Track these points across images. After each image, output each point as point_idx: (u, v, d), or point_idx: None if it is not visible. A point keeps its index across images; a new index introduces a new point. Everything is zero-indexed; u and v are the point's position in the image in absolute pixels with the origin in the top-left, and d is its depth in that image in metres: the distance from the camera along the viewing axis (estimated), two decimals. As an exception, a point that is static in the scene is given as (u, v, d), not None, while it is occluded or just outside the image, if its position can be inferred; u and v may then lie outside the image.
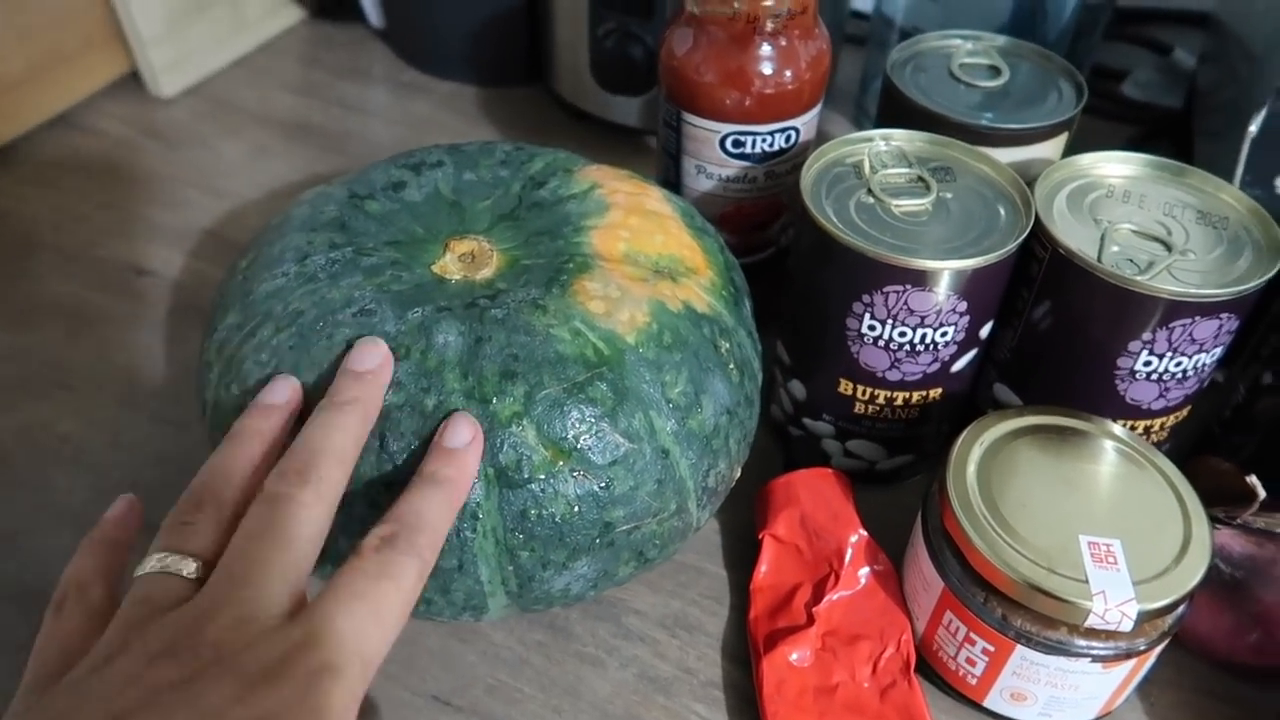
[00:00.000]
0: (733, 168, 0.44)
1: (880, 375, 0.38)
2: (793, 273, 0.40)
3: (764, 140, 0.43)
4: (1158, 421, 0.38)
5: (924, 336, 0.37)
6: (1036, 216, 0.36)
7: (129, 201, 0.57)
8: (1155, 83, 0.67)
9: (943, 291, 0.35)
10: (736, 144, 0.43)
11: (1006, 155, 0.42)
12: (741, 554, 0.40)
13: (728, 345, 0.35)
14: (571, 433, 0.31)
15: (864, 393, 0.39)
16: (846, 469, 0.42)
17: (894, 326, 0.36)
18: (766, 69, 0.41)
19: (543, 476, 0.31)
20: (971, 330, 0.37)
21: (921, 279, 0.35)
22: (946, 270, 0.35)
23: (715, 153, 0.43)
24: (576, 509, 0.31)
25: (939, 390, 0.39)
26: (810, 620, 0.36)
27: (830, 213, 0.37)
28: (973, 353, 0.39)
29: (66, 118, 0.63)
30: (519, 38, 0.66)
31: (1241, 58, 0.50)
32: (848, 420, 0.40)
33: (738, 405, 0.35)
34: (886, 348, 0.37)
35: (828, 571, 0.37)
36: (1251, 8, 0.52)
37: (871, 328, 0.37)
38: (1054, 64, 0.46)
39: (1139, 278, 0.34)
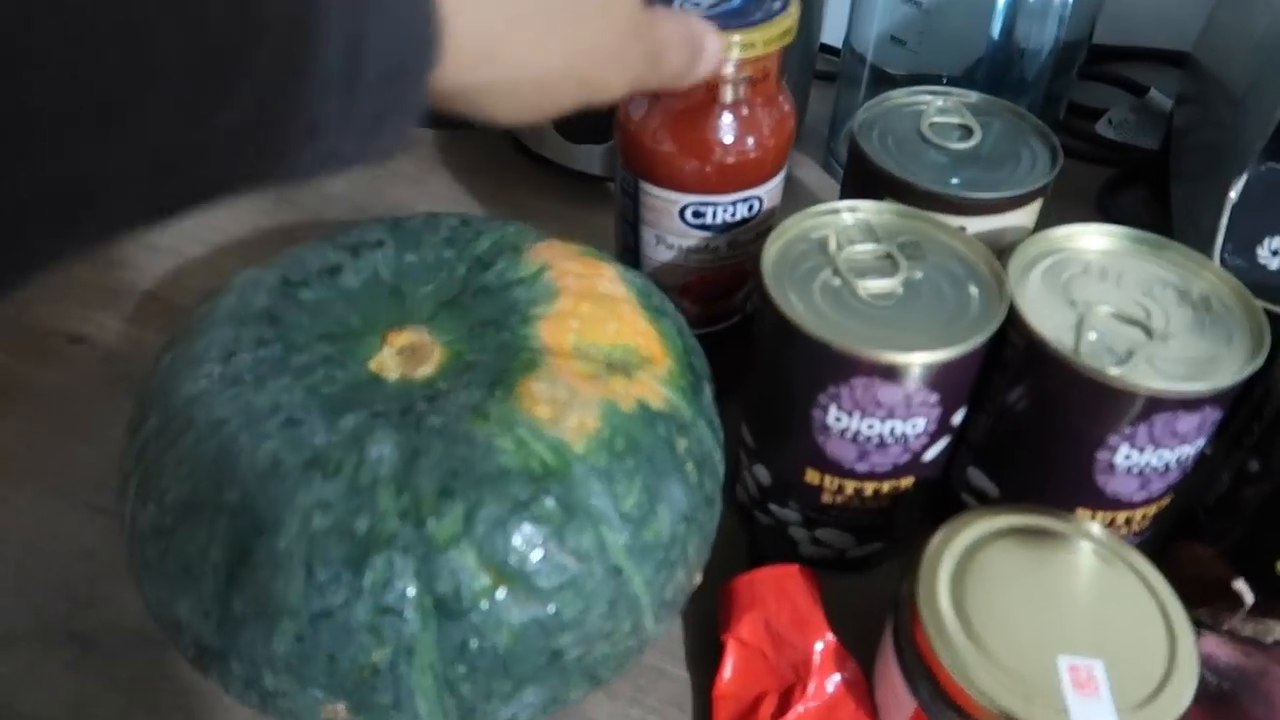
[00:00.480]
0: (693, 238, 0.41)
1: (849, 467, 0.36)
2: (756, 354, 0.38)
3: (725, 210, 0.41)
4: (1139, 512, 0.36)
5: (893, 429, 0.35)
6: (1010, 302, 0.34)
7: (64, 259, 0.55)
8: (1131, 123, 0.66)
9: (913, 384, 0.33)
10: (697, 215, 0.41)
11: (979, 224, 0.40)
12: (704, 653, 0.38)
13: (685, 443, 0.33)
14: (515, 555, 0.29)
15: (832, 483, 0.37)
16: (814, 557, 0.40)
17: (862, 419, 0.34)
18: (727, 138, 0.39)
19: (484, 605, 0.28)
20: (943, 420, 0.35)
21: (890, 372, 0.33)
22: (917, 363, 0.33)
23: (675, 223, 0.41)
24: (522, 637, 0.29)
25: (910, 479, 0.37)
26: (776, 731, 0.34)
27: (793, 298, 0.35)
28: (945, 440, 0.37)
29: None
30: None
31: (1222, 100, 0.49)
32: (815, 509, 0.38)
33: (696, 509, 0.33)
34: (854, 440, 0.35)
35: (794, 680, 0.35)
36: (1233, 49, 0.50)
37: (838, 419, 0.35)
38: (1027, 123, 0.44)
39: (1117, 371, 0.32)
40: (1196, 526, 0.39)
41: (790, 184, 0.62)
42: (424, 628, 0.28)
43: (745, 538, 0.42)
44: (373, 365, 0.33)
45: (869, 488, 0.37)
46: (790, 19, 0.37)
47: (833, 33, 0.65)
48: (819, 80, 0.68)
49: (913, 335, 0.33)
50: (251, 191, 0.18)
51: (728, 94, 0.38)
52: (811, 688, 0.35)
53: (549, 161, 0.61)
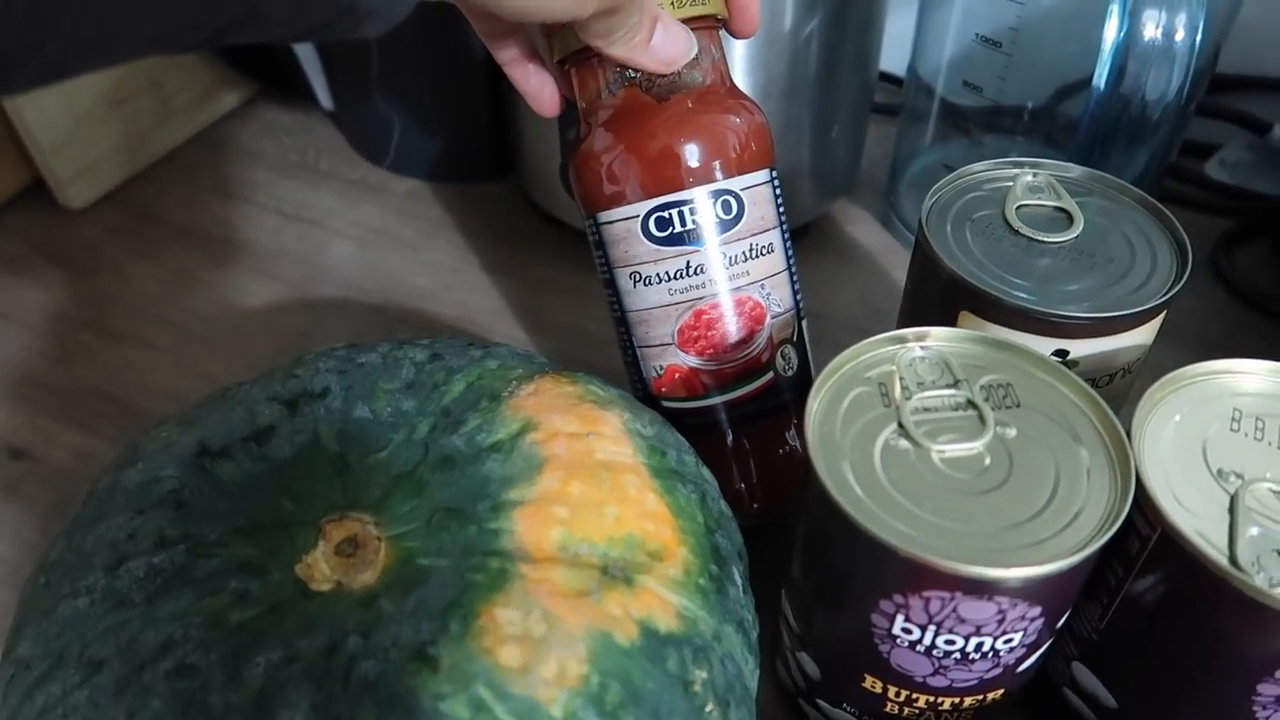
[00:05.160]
0: (668, 258, 0.34)
1: (920, 680, 0.28)
2: (800, 526, 0.30)
3: (692, 211, 0.33)
4: (1307, 746, 0.28)
5: (980, 645, 0.26)
6: (1137, 478, 0.26)
7: (8, 350, 0.48)
8: (1247, 163, 0.56)
9: (1006, 600, 0.25)
10: (661, 224, 0.33)
11: (1084, 347, 0.32)
12: None
13: (704, 674, 0.25)
14: None
15: (898, 694, 0.29)
16: (875, 768, 0.32)
17: (938, 634, 0.26)
18: (678, 119, 0.33)
19: None
20: (1045, 630, 0.27)
21: (976, 587, 0.25)
22: (1013, 579, 0.24)
23: (641, 245, 0.34)
24: None
25: (1000, 691, 0.29)
26: None
27: (846, 471, 0.26)
28: (1045, 647, 0.28)
29: (-37, 236, 0.54)
30: (485, 128, 0.57)
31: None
32: (877, 718, 0.30)
33: (719, 762, 0.25)
34: (929, 654, 0.27)
35: None
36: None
37: (907, 630, 0.27)
38: (1139, 204, 0.35)
39: (1294, 593, 0.24)
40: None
41: (843, 245, 0.54)
42: None
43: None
44: (301, 570, 0.25)
45: (946, 702, 0.29)
46: None
47: (893, 58, 0.56)
48: (877, 114, 0.59)
49: (1006, 533, 0.25)
50: (279, 40, 0.20)
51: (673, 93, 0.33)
52: None
53: (562, 223, 0.53)
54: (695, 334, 0.35)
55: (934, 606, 0.25)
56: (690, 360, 0.35)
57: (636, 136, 0.33)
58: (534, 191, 0.54)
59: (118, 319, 0.50)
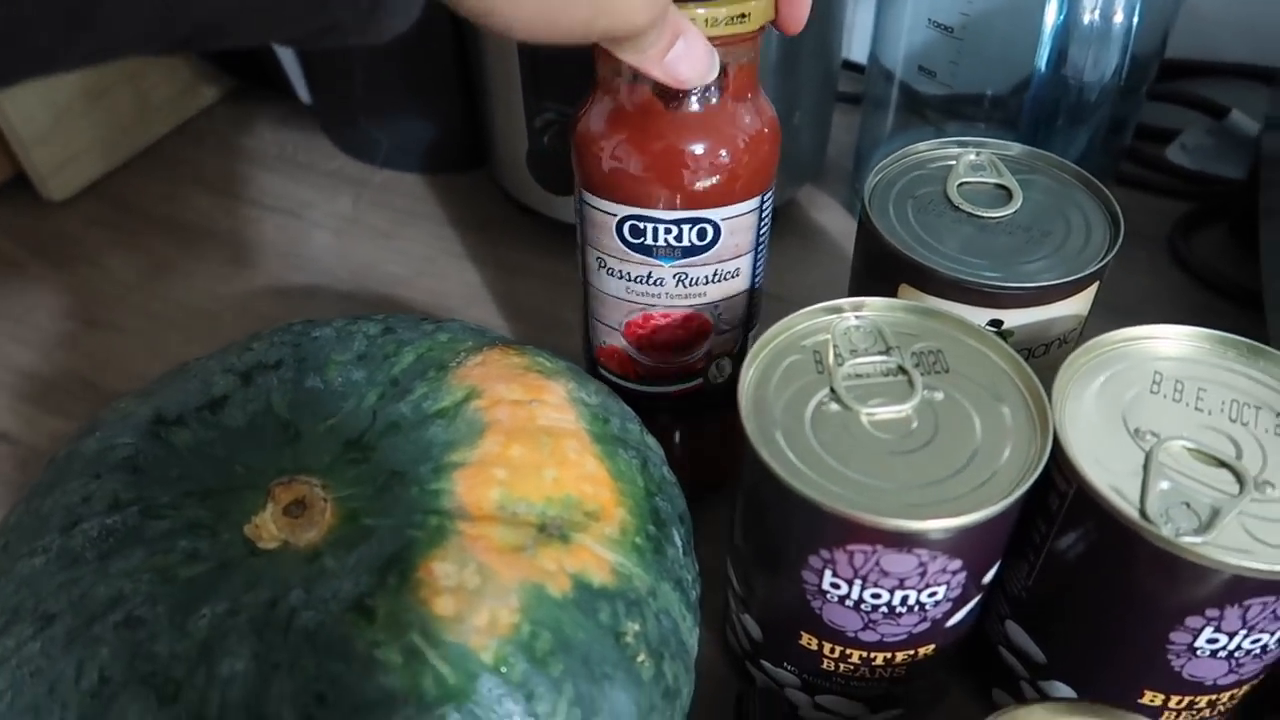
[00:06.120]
0: (634, 263, 0.34)
1: (853, 635, 0.29)
2: (738, 488, 0.31)
3: (667, 231, 0.33)
4: (1225, 695, 0.29)
5: (905, 599, 0.27)
6: (1055, 438, 0.27)
7: (-6, 338, 0.50)
8: (1208, 148, 0.57)
9: (927, 553, 0.26)
10: (635, 232, 0.33)
11: (1018, 317, 0.33)
12: None
13: (637, 626, 0.26)
14: (397, 810, 0.22)
15: (832, 650, 0.30)
16: (818, 727, 0.33)
17: (864, 588, 0.27)
18: (675, 140, 0.31)
19: None
20: (969, 585, 0.28)
21: (898, 540, 0.26)
22: (931, 531, 0.25)
23: (613, 241, 0.34)
24: None
25: (931, 646, 0.30)
26: None
27: (778, 436, 0.27)
28: (974, 602, 0.29)
29: (-53, 229, 0.56)
30: (458, 118, 0.58)
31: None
32: (815, 675, 0.31)
33: (650, 711, 0.26)
34: (857, 608, 0.28)
35: None
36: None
37: (835, 585, 0.28)
38: (1077, 180, 0.36)
39: (1194, 539, 0.25)
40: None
41: (809, 231, 0.55)
42: None
43: (735, 704, 0.35)
44: (249, 530, 0.26)
45: (879, 657, 0.30)
46: None
47: (862, 48, 0.57)
48: (843, 103, 0.60)
49: (927, 489, 0.26)
50: (248, 43, 0.19)
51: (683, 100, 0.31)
52: None
53: (535, 212, 0.54)
54: (640, 331, 0.36)
55: (858, 560, 0.26)
56: (629, 350, 0.36)
57: (634, 137, 0.32)
58: (505, 181, 0.55)
59: (97, 308, 0.51)
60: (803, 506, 0.26)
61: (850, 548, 0.26)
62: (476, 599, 0.24)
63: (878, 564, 0.26)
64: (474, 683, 0.23)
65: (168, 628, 0.24)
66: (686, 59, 0.28)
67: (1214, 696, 0.28)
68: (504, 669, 0.24)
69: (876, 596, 0.27)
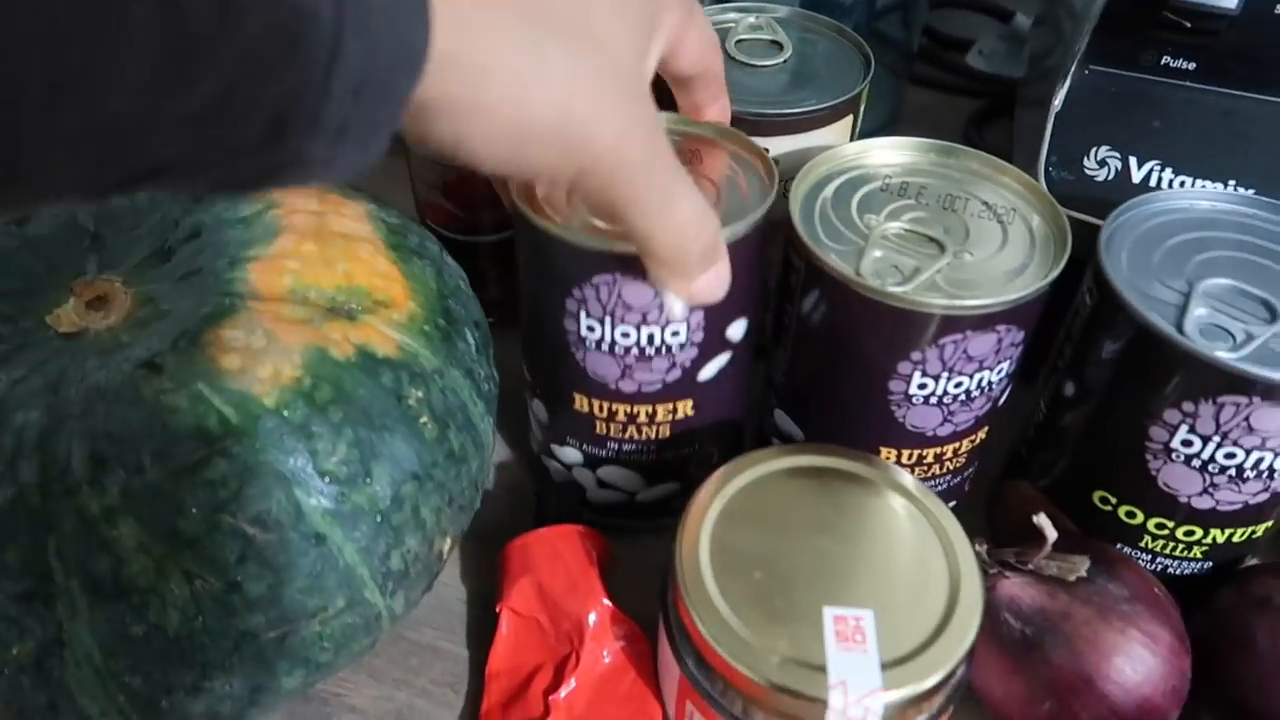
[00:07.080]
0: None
1: (614, 387, 0.32)
2: (517, 269, 0.33)
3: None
4: (948, 448, 0.33)
5: (651, 337, 0.30)
6: (789, 220, 0.31)
7: None
8: (1000, 52, 0.62)
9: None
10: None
11: (783, 144, 0.37)
12: (487, 627, 0.34)
13: (420, 393, 0.29)
14: (182, 526, 0.25)
15: (601, 408, 0.33)
16: (605, 503, 0.36)
17: (613, 325, 0.30)
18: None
19: (145, 585, 0.24)
20: (712, 330, 0.31)
21: (630, 265, 0.28)
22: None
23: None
24: (197, 620, 0.25)
25: (689, 403, 0.33)
26: (547, 711, 0.30)
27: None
28: (724, 358, 0.33)
29: None
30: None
31: (1066, 15, 0.45)
32: (592, 443, 0.34)
33: (433, 466, 0.29)
34: (611, 352, 0.31)
35: (569, 651, 0.31)
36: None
37: (590, 328, 0.31)
38: (845, 38, 0.40)
39: (897, 289, 0.29)
40: (1022, 465, 0.36)
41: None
42: (73, 616, 0.24)
43: (534, 497, 0.38)
44: (50, 319, 0.28)
45: (641, 412, 0.33)
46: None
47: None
48: None
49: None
50: (213, 190, 0.17)
51: None
52: (585, 658, 0.31)
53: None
54: (456, 191, 0.39)
55: (603, 294, 0.29)
56: (450, 210, 0.39)
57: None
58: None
59: None
60: (547, 243, 0.29)
61: (595, 279, 0.29)
62: (262, 356, 0.27)
63: (620, 296, 0.29)
64: (255, 422, 0.26)
65: (-35, 389, 0.26)
66: (709, 284, 0.27)
67: (939, 450, 0.33)
68: (285, 412, 0.26)
69: (626, 335, 0.30)
